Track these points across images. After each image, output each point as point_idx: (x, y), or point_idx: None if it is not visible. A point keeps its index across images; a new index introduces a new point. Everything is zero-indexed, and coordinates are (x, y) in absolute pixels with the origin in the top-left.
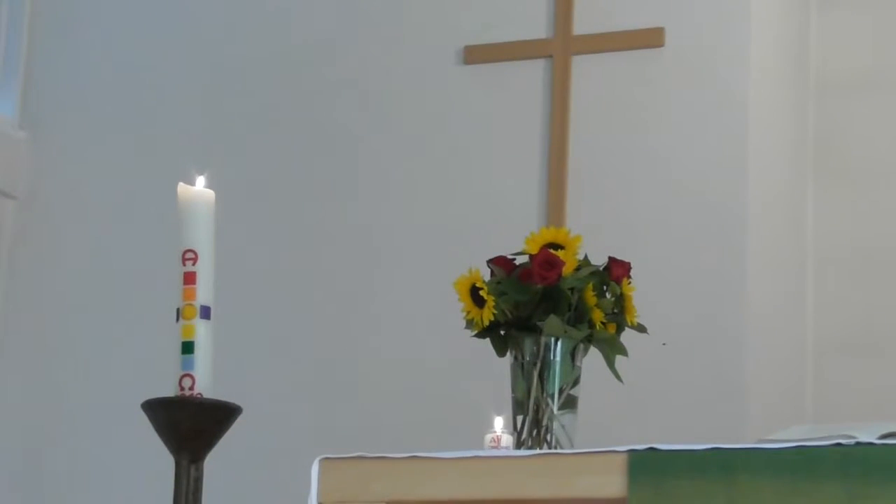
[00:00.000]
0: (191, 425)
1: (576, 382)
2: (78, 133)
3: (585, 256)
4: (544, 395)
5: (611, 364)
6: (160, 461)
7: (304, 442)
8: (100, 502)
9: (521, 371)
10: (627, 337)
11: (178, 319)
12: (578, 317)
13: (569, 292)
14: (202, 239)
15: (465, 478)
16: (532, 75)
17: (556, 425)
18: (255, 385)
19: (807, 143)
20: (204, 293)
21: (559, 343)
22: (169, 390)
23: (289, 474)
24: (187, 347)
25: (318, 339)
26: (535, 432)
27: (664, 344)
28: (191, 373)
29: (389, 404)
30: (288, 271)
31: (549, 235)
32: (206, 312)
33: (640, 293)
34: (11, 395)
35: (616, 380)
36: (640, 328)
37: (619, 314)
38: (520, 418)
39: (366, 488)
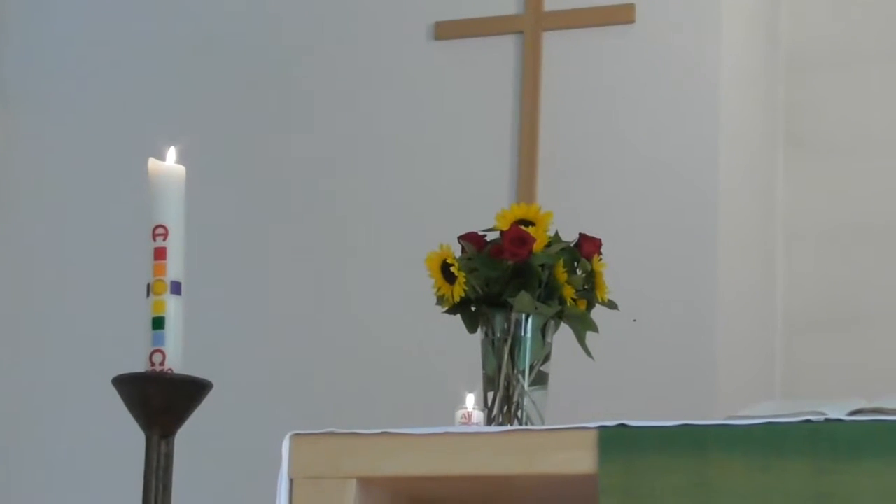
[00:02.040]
0: (161, 401)
1: (546, 359)
2: (47, 105)
3: (556, 233)
4: (515, 371)
5: (581, 340)
6: (131, 437)
7: (274, 417)
8: (71, 477)
9: (491, 347)
10: (598, 313)
11: (148, 295)
12: (549, 293)
13: (539, 269)
14: (173, 214)
15: (435, 454)
16: (503, 51)
17: (526, 401)
18: (226, 361)
19: (777, 119)
20: (174, 269)
21: (530, 319)
22: (139, 366)
23: (260, 450)
24: (158, 323)
25: (288, 315)
26: (505, 408)
27: (635, 320)
28: (161, 348)
29: (360, 381)
30: (258, 246)
31: (520, 212)
32: (176, 288)
33: (611, 270)
34: None
35: (587, 356)
36: (611, 305)
37: (589, 291)
38: (490, 394)
39: (336, 464)
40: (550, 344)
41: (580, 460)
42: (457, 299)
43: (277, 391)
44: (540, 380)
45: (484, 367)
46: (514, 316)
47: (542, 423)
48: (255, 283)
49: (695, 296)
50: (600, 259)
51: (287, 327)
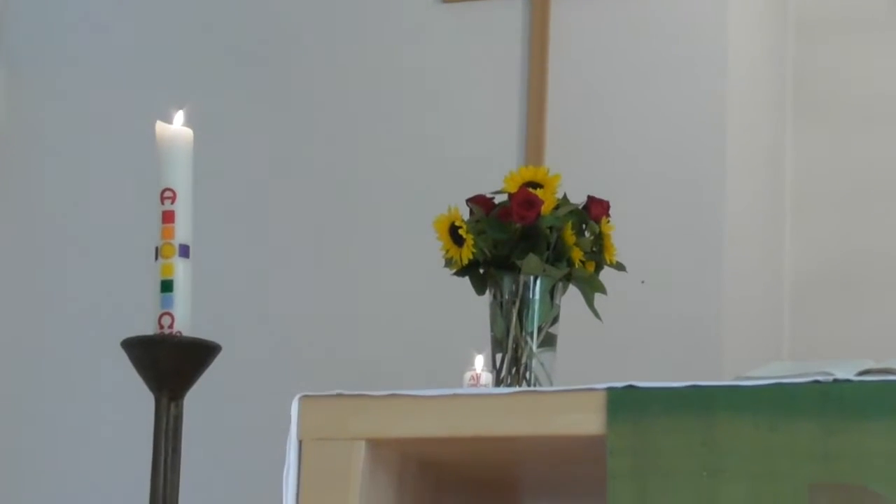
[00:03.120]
0: (170, 363)
1: (555, 321)
2: (54, 69)
3: (564, 195)
4: (523, 333)
5: (589, 302)
6: (141, 399)
7: (283, 380)
8: (80, 440)
9: (500, 309)
10: (606, 275)
11: (156, 258)
12: (557, 255)
13: (548, 231)
14: (180, 177)
15: (444, 416)
16: (511, 13)
17: (534, 363)
18: (235, 324)
19: (786, 84)
20: (183, 232)
21: (538, 281)
22: (149, 329)
23: (268, 412)
24: (166, 286)
25: (295, 278)
26: (514, 370)
27: (643, 282)
28: (170, 311)
29: (369, 343)
30: (266, 209)
31: (528, 174)
32: (184, 251)
33: (619, 232)
34: None
35: (595, 318)
36: (619, 266)
37: (597, 253)
38: (499, 356)
39: (345, 426)
40: (558, 306)
41: (589, 421)
42: (465, 262)
43: (286, 353)
44: (548, 341)
45: (492, 330)
46: (522, 278)
47: (551, 385)
48: (262, 246)
49: (702, 258)
50: (608, 221)
51: (295, 290)
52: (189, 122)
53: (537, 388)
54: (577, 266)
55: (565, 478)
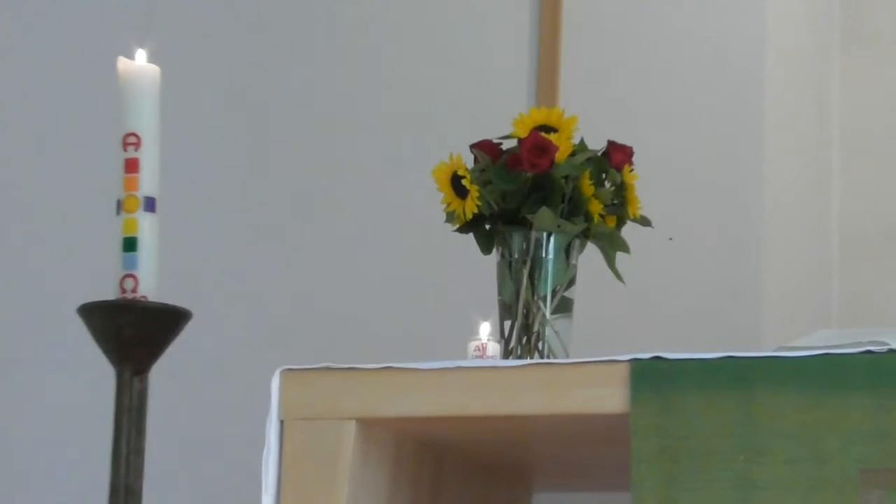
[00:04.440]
0: (134, 332)
1: (571, 283)
2: (9, 5)
3: (581, 140)
4: (535, 297)
5: (611, 262)
6: (100, 374)
7: (263, 352)
8: (28, 420)
9: (508, 270)
10: (629, 231)
11: (118, 212)
12: (573, 209)
13: (562, 181)
14: (146, 121)
15: (446, 391)
16: None
17: (548, 331)
18: (207, 287)
19: (832, 10)
20: (148, 183)
21: (552, 238)
22: (109, 293)
23: (246, 388)
24: (129, 244)
25: (277, 235)
26: (524, 339)
27: (671, 239)
28: (134, 273)
29: (361, 309)
30: (243, 158)
31: (541, 117)
32: (150, 205)
33: (644, 182)
34: None
35: (616, 280)
36: (644, 221)
37: (619, 206)
38: (507, 324)
39: (334, 404)
40: (575, 266)
41: (609, 397)
42: (469, 216)
43: (266, 321)
44: (563, 307)
45: (500, 293)
46: (533, 235)
47: (567, 356)
48: (238, 200)
49: (739, 211)
50: (631, 170)
51: (276, 249)
52: (155, 59)
53: (551, 360)
54: (595, 221)
55: (583, 461)
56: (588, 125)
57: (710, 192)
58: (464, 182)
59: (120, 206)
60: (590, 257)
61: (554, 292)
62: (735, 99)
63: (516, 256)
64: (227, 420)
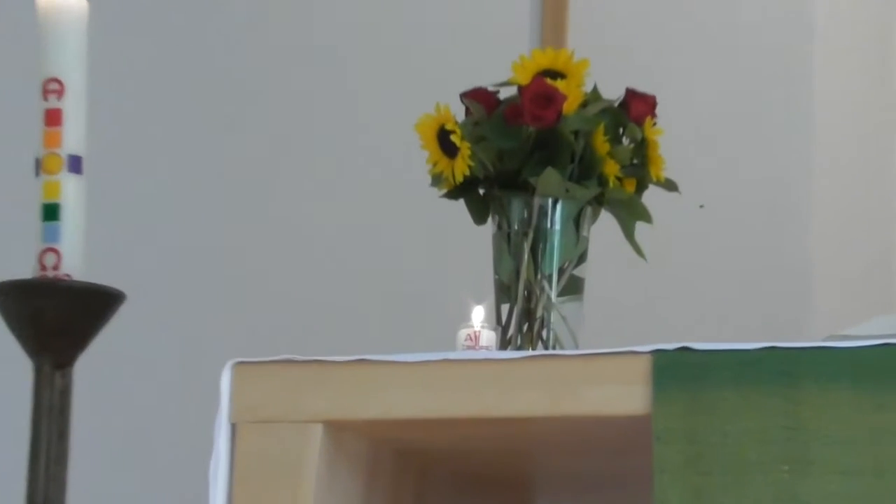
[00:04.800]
0: (56, 318)
1: (581, 259)
2: None
3: (594, 88)
4: (538, 276)
5: (629, 234)
6: (14, 367)
7: (211, 342)
8: None
9: (506, 244)
10: (651, 197)
11: (37, 174)
12: (585, 170)
13: (571, 137)
14: (71, 65)
15: (431, 389)
16: None
17: (554, 317)
18: (144, 265)
19: None
20: (73, 139)
21: (559, 206)
22: (27, 271)
23: (189, 385)
24: (50, 212)
25: (229, 202)
26: (525, 327)
27: (702, 206)
28: (55, 247)
29: (327, 290)
30: (189, 111)
31: (545, 60)
32: (75, 165)
33: (669, 138)
34: None
35: (636, 255)
36: (669, 185)
37: (639, 166)
38: (505, 308)
39: (296, 404)
40: (587, 239)
41: (627, 397)
42: (459, 179)
43: (215, 306)
44: (572, 288)
45: (496, 272)
46: (537, 201)
47: (576, 347)
48: (182, 161)
49: (785, 175)
50: (654, 123)
51: (228, 218)
52: None
53: (557, 352)
54: (611, 185)
55: (594, 473)
56: (602, 70)
57: (749, 151)
58: (453, 138)
59: (39, 165)
60: (604, 228)
61: (561, 270)
62: (779, 42)
63: (516, 227)
64: (167, 423)
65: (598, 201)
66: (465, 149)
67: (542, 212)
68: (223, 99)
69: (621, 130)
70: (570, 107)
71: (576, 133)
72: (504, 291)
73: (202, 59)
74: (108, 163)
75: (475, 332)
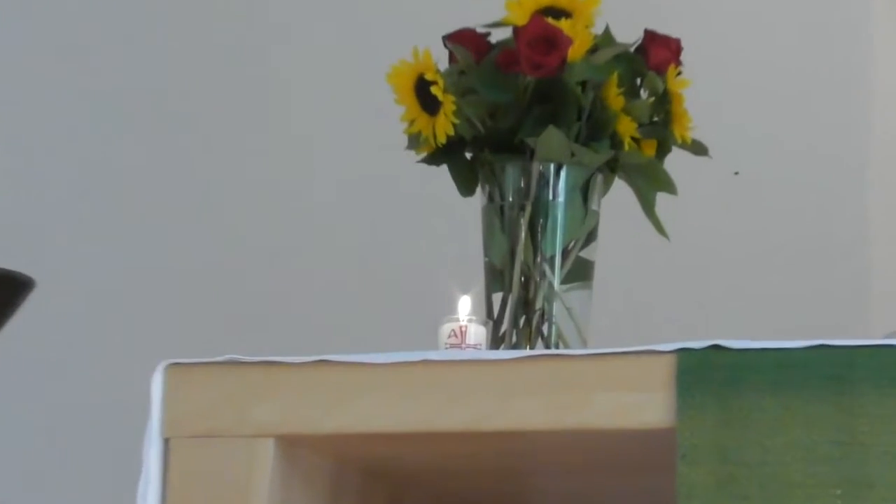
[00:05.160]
0: None
1: (590, 239)
2: None
3: (606, 29)
4: (538, 259)
5: (648, 207)
6: None
7: (138, 339)
8: None
9: (499, 219)
10: (675, 162)
11: None
12: (594, 130)
13: (578, 89)
14: None
15: (407, 396)
16: None
17: (557, 309)
18: (58, 248)
19: None
20: None
21: (563, 173)
22: None
23: (113, 390)
24: None
25: (168, 170)
26: (522, 321)
27: (736, 174)
28: None
29: (282, 275)
30: (115, 84)
31: None
32: None
33: (697, 90)
34: None
35: (657, 233)
36: (697, 148)
37: (661, 125)
38: (498, 298)
39: (243, 414)
40: (597, 213)
41: (646, 406)
42: (442, 140)
43: (142, 296)
44: (580, 273)
45: (487, 253)
46: (536, 167)
47: (584, 345)
48: (100, 140)
49: (834, 143)
50: (679, 72)
51: (156, 195)
52: None
53: (561, 351)
54: (627, 147)
55: (606, 498)
56: (615, 7)
57: (795, 108)
58: (434, 90)
59: None
60: (618, 200)
61: (566, 252)
62: None
63: (511, 199)
64: (85, 434)
65: (611, 167)
66: (448, 103)
67: (543, 180)
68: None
69: (639, 81)
70: (576, 52)
71: (583, 84)
72: (496, 277)
73: (130, 22)
74: (18, 138)
75: (461, 327)
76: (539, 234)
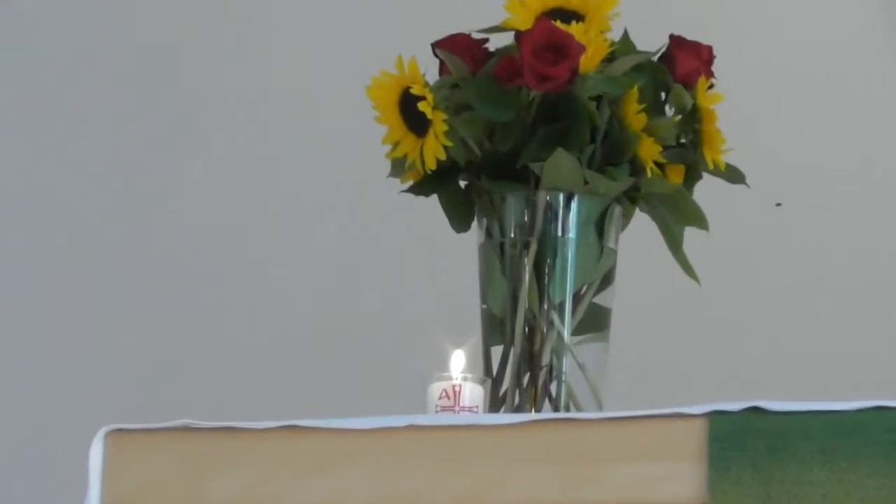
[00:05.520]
0: None
1: (606, 282)
2: None
3: (625, 34)
4: (545, 306)
5: (675, 245)
6: None
7: (80, 402)
8: None
9: (499, 260)
10: (707, 191)
11: None
12: (611, 153)
13: (592, 105)
14: None
15: (390, 467)
16: None
17: (567, 365)
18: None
19: None
20: None
21: (574, 204)
22: None
23: (46, 457)
24: None
25: (124, 216)
26: (527, 379)
27: (779, 205)
28: None
29: (247, 328)
30: (65, 81)
31: None
32: None
33: (731, 106)
34: None
35: (686, 276)
36: (733, 175)
37: (689, 148)
38: (498, 351)
39: (198, 488)
40: (614, 252)
41: (673, 478)
42: (432, 165)
43: (84, 354)
44: (594, 323)
45: (485, 299)
46: (542, 198)
47: (600, 407)
48: (51, 138)
49: (889, 162)
50: (711, 86)
51: (109, 225)
52: None
53: (573, 415)
54: (649, 174)
55: None
56: (636, 9)
57: (845, 128)
58: (422, 107)
59: None
60: (639, 237)
61: (577, 297)
62: None
63: (513, 235)
64: None
65: (631, 198)
66: (439, 122)
67: (550, 213)
68: (93, 66)
69: (663, 96)
70: (589, 62)
71: (598, 99)
72: (496, 327)
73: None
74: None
75: (454, 387)
76: (546, 277)
